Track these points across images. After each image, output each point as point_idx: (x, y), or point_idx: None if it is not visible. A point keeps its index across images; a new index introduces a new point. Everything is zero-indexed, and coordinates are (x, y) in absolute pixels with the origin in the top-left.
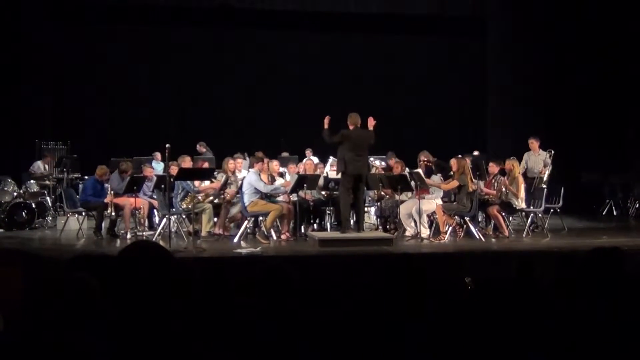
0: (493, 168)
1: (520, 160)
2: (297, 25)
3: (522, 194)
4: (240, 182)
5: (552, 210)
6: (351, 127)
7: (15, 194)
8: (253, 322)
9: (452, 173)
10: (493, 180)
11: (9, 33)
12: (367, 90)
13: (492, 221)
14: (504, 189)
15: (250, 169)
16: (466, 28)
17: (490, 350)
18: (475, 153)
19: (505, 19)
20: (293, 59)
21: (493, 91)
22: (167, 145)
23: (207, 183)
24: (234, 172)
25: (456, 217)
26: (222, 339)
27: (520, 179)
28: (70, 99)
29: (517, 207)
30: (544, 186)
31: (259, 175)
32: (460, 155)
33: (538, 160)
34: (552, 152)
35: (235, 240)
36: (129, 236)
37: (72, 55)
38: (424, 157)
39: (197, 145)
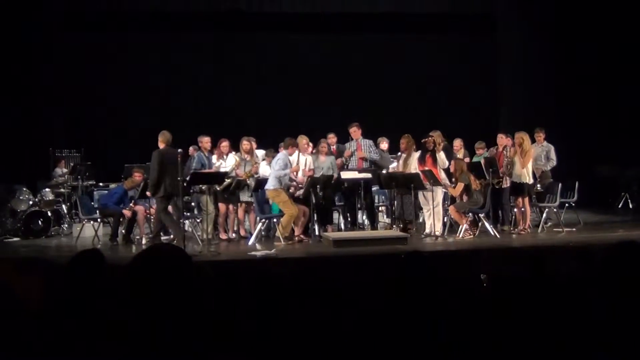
0: (502, 140)
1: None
2: (308, 26)
3: (530, 168)
4: (257, 164)
5: (567, 204)
6: (163, 146)
7: (30, 202)
8: (267, 323)
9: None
10: (504, 152)
11: (20, 41)
12: (378, 90)
13: (512, 217)
14: (506, 160)
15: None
16: (476, 26)
17: (507, 348)
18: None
19: (515, 15)
20: (304, 61)
21: (504, 89)
22: (179, 150)
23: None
24: (248, 152)
25: (470, 214)
26: (232, 341)
27: (531, 152)
28: (82, 106)
29: (525, 182)
30: (549, 179)
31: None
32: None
33: (541, 151)
34: (552, 147)
35: (250, 242)
36: (144, 242)
37: (84, 61)
38: (433, 136)
39: (190, 148)
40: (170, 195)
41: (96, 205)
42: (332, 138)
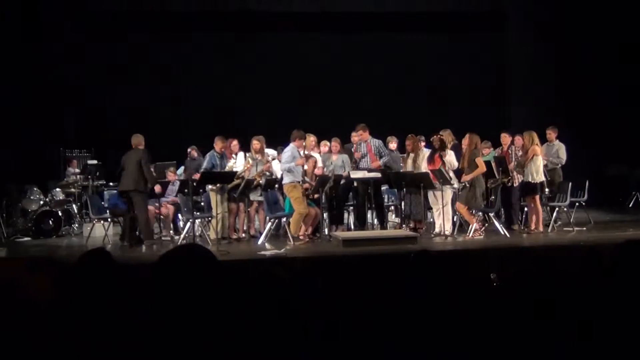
0: (505, 139)
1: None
2: (317, 26)
3: (534, 166)
4: (268, 162)
5: (577, 204)
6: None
7: (41, 202)
8: (273, 323)
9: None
10: (509, 150)
11: (28, 42)
12: (385, 90)
13: (523, 216)
14: (515, 157)
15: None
16: (485, 24)
17: (514, 347)
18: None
19: (524, 14)
20: (313, 60)
21: (513, 88)
22: (189, 150)
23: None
24: (259, 151)
25: (479, 213)
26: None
27: (534, 150)
28: (92, 106)
29: (535, 182)
30: (559, 178)
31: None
32: None
33: (551, 149)
34: (564, 146)
35: (260, 242)
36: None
37: (94, 61)
38: (442, 135)
39: (189, 149)
40: (125, 192)
41: (106, 205)
42: (355, 136)
